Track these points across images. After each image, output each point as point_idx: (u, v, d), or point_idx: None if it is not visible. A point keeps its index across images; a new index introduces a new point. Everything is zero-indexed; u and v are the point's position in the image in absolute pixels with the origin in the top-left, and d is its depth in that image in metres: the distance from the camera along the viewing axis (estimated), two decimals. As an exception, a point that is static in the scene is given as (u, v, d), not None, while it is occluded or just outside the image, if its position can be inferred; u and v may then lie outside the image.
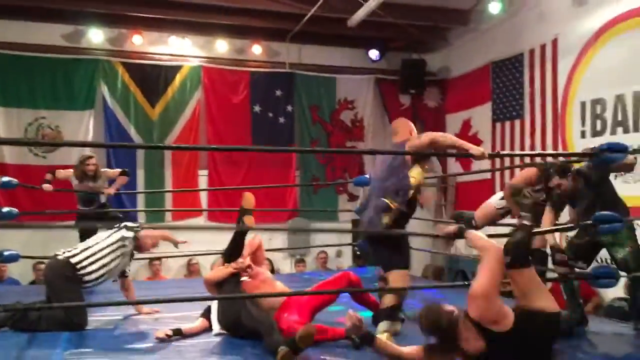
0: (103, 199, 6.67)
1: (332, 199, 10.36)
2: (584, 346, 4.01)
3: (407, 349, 3.06)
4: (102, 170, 6.86)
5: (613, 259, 4.30)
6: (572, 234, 4.72)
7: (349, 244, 9.11)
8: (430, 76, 10.99)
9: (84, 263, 4.25)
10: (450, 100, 10.93)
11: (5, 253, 5.74)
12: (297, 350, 3.22)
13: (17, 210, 5.80)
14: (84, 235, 5.57)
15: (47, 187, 6.47)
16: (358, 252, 9.68)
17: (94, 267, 4.26)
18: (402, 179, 3.83)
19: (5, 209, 6.05)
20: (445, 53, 10.99)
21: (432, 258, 10.61)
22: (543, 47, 8.43)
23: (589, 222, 3.92)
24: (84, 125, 9.23)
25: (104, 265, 4.31)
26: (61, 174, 6.63)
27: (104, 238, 4.42)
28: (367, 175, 8.49)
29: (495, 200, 5.21)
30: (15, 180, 5.89)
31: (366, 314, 3.99)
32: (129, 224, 4.56)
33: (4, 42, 8.87)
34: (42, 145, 9.31)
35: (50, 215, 7.72)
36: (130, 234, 4.41)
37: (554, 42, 8.18)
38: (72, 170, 6.64)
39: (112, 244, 4.37)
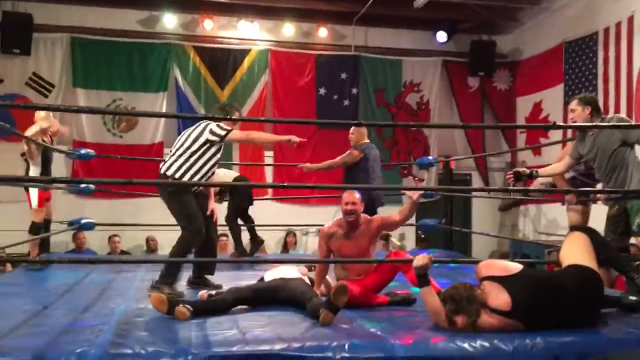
0: None
1: (397, 182, 10.35)
2: None
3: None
4: None
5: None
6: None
7: (412, 225, 9.07)
8: (501, 58, 10.76)
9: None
10: (521, 83, 10.66)
11: (83, 221, 6.19)
12: (335, 309, 3.32)
13: (93, 187, 6.21)
14: None
15: None
16: (422, 235, 9.63)
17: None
18: None
19: (82, 185, 6.46)
20: (516, 34, 10.71)
21: (498, 244, 10.45)
22: (618, 25, 8.09)
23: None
24: (157, 107, 9.68)
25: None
26: None
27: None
28: (430, 157, 8.51)
29: None
30: (92, 151, 6.25)
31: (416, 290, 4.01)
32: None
33: (84, 27, 9.44)
34: (117, 114, 9.63)
35: (129, 188, 8.06)
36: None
37: (630, 20, 7.83)
38: None
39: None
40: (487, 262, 3.45)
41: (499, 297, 3.07)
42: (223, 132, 4.32)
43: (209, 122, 4.40)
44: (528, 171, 4.34)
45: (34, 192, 5.66)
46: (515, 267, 3.29)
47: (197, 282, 4.69)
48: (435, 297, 3.23)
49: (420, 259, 3.37)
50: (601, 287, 3.28)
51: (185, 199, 4.30)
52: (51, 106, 8.32)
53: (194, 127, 4.41)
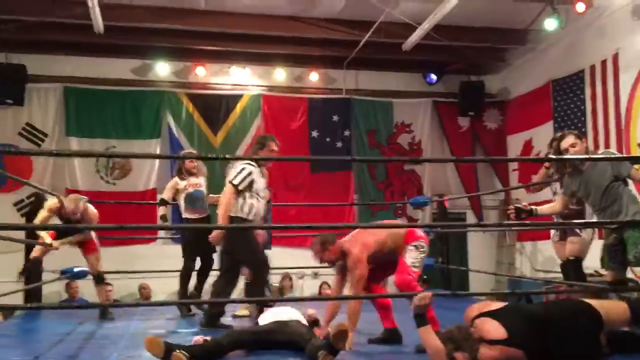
0: None
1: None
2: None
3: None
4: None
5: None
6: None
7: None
8: (490, 97, 10.91)
9: None
10: (511, 121, 10.78)
11: (75, 270, 6.10)
12: (334, 351, 3.27)
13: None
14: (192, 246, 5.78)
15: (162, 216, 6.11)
16: (424, 276, 9.54)
17: None
18: None
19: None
20: (504, 74, 10.89)
21: (496, 283, 10.36)
22: (604, 63, 8.24)
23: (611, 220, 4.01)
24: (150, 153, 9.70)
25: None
26: (171, 190, 6.09)
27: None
28: (425, 196, 8.53)
29: None
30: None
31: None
32: None
33: (77, 77, 9.55)
34: (111, 157, 9.72)
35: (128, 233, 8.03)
36: None
37: (615, 57, 7.98)
38: (176, 180, 6.11)
39: None
40: (472, 306, 3.46)
41: (493, 329, 3.10)
42: None
43: None
44: (529, 207, 4.33)
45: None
46: (499, 304, 3.41)
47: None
48: (434, 337, 3.19)
49: (422, 298, 3.33)
50: (592, 317, 3.26)
51: None
52: (44, 151, 8.34)
53: None
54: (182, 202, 6.03)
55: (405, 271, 4.04)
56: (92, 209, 5.63)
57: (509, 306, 3.37)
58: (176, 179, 6.10)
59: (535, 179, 5.68)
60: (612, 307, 3.37)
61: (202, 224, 6.05)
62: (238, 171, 4.81)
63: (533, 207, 4.37)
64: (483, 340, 3.07)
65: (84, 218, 5.45)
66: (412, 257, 4.08)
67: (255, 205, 4.82)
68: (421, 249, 4.12)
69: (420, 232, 4.29)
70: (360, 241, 4.15)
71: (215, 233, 4.90)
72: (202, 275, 5.94)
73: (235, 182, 4.76)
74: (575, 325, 3.23)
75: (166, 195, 6.07)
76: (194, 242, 5.80)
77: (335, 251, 4.15)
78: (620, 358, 3.26)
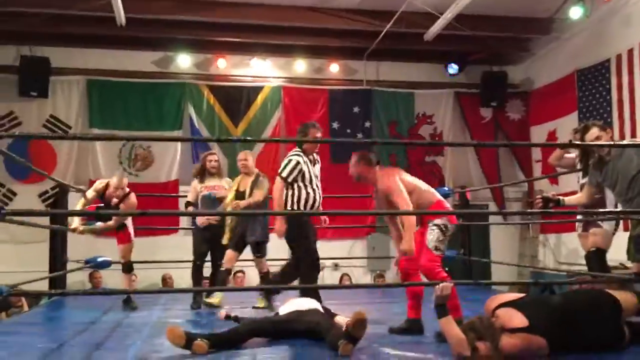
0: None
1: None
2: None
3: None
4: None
5: None
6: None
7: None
8: (512, 88, 10.77)
9: None
10: (534, 112, 10.63)
11: (99, 259, 6.17)
12: (354, 340, 3.27)
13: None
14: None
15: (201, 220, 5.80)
16: (446, 269, 9.49)
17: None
18: None
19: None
20: (528, 64, 10.74)
21: (518, 274, 10.26)
22: (630, 52, 8.07)
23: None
24: (172, 145, 9.78)
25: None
26: (193, 192, 5.93)
27: None
28: (446, 188, 8.44)
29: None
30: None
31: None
32: None
33: (100, 69, 9.64)
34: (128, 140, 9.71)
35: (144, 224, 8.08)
36: None
37: (642, 46, 7.82)
38: (195, 182, 5.98)
39: None
40: (492, 297, 3.47)
41: (515, 317, 3.12)
42: None
43: None
44: (556, 197, 4.24)
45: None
46: (520, 295, 3.49)
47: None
48: (456, 327, 3.17)
49: (443, 289, 3.31)
50: (613, 306, 3.29)
51: None
52: (67, 136, 8.45)
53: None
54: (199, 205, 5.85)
55: (428, 257, 3.90)
56: (133, 197, 5.62)
57: (530, 296, 3.41)
58: (195, 180, 5.99)
59: (551, 159, 5.56)
60: (626, 298, 3.37)
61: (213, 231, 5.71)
62: (285, 163, 4.85)
63: (560, 197, 4.30)
64: (504, 329, 3.07)
65: (125, 202, 5.49)
66: (435, 240, 3.88)
67: (311, 195, 4.79)
68: (444, 230, 3.90)
69: (448, 206, 4.16)
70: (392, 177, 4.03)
71: (277, 226, 4.87)
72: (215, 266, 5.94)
73: (284, 174, 4.80)
74: (598, 313, 3.24)
75: (190, 197, 5.94)
76: (202, 242, 5.75)
77: (368, 171, 4.08)
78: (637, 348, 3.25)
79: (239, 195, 5.54)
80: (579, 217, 5.23)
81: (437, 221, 3.94)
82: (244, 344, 3.58)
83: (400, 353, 3.26)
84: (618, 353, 3.21)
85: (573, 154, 5.36)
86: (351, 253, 9.84)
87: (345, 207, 9.52)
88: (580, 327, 3.18)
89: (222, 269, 5.56)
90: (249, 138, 9.14)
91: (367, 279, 9.88)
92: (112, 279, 8.83)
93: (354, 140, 9.36)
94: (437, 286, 3.34)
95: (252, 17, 8.97)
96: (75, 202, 6.02)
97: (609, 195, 4.64)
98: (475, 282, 5.68)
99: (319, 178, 5.16)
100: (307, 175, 4.87)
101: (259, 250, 5.63)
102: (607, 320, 3.25)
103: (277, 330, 3.76)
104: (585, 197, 4.42)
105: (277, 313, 4.14)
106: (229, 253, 5.52)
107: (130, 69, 9.72)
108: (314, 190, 4.92)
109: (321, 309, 4.03)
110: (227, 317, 4.23)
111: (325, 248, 9.33)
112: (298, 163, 4.85)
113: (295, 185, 4.87)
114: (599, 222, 5.11)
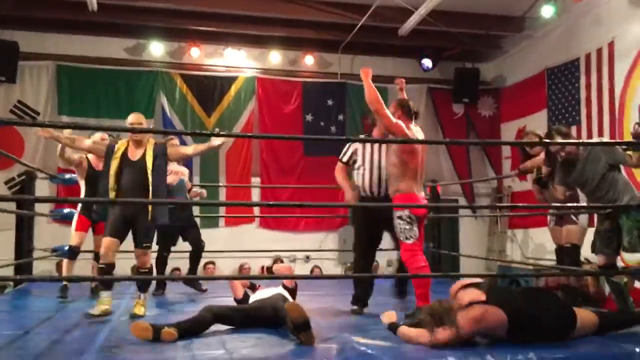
0: None
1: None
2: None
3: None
4: None
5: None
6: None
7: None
8: (485, 85, 10.90)
9: None
10: (505, 109, 10.79)
11: (67, 248, 6.06)
12: (306, 327, 3.30)
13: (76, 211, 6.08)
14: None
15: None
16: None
17: None
18: None
19: (66, 210, 6.46)
20: (500, 61, 10.88)
21: (486, 269, 10.41)
22: (599, 51, 8.23)
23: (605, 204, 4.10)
24: (143, 134, 9.64)
25: None
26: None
27: None
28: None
29: None
30: (76, 176, 6.18)
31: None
32: None
33: (70, 55, 9.43)
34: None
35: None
36: None
37: (611, 45, 7.98)
38: None
39: None
40: (457, 282, 3.53)
41: (473, 293, 3.25)
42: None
43: None
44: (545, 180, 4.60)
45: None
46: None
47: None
48: (409, 329, 3.31)
49: (388, 317, 3.50)
50: (567, 311, 3.37)
51: None
52: (36, 123, 8.30)
53: None
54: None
55: (403, 247, 4.20)
56: None
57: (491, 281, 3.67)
58: None
59: (528, 164, 5.68)
60: (586, 316, 3.42)
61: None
62: (346, 148, 4.96)
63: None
64: (462, 307, 3.16)
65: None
66: (402, 232, 4.19)
67: (366, 177, 4.80)
68: (409, 220, 4.18)
69: (420, 200, 4.37)
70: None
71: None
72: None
73: (344, 159, 4.92)
74: (550, 305, 3.35)
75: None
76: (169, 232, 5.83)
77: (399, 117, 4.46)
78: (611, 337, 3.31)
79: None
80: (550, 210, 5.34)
81: (399, 213, 4.20)
82: (208, 329, 3.60)
83: (370, 342, 3.28)
84: (579, 340, 3.27)
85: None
86: (323, 246, 9.88)
87: (317, 199, 9.60)
88: (533, 305, 3.28)
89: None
90: (221, 133, 8.97)
91: (338, 271, 9.92)
92: (79, 269, 8.70)
93: (326, 138, 9.44)
94: (383, 316, 3.53)
95: (227, 7, 8.91)
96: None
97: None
98: (444, 274, 5.74)
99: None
100: (359, 159, 4.91)
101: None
102: (559, 315, 3.32)
103: (242, 319, 3.78)
104: (560, 193, 4.52)
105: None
106: None
107: (102, 56, 9.54)
108: (370, 172, 4.84)
109: (286, 293, 4.07)
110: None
111: (296, 239, 9.50)
112: (350, 146, 4.97)
113: (355, 169, 4.94)
114: (574, 218, 5.23)
